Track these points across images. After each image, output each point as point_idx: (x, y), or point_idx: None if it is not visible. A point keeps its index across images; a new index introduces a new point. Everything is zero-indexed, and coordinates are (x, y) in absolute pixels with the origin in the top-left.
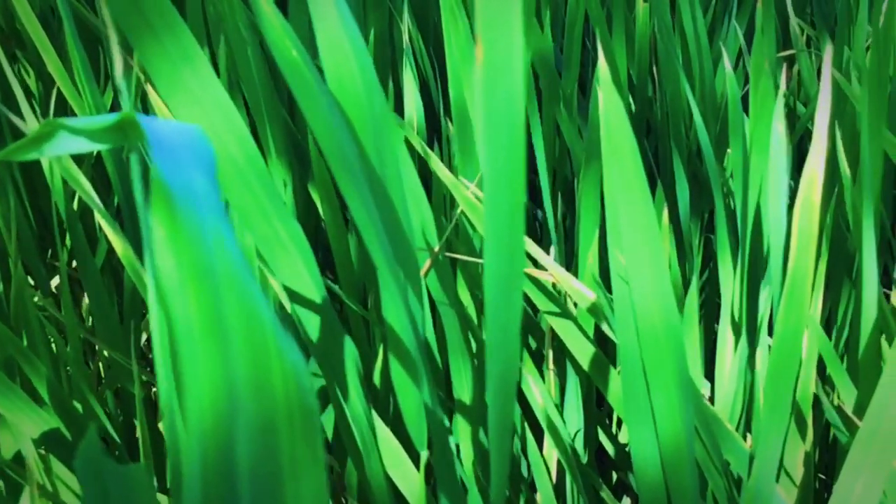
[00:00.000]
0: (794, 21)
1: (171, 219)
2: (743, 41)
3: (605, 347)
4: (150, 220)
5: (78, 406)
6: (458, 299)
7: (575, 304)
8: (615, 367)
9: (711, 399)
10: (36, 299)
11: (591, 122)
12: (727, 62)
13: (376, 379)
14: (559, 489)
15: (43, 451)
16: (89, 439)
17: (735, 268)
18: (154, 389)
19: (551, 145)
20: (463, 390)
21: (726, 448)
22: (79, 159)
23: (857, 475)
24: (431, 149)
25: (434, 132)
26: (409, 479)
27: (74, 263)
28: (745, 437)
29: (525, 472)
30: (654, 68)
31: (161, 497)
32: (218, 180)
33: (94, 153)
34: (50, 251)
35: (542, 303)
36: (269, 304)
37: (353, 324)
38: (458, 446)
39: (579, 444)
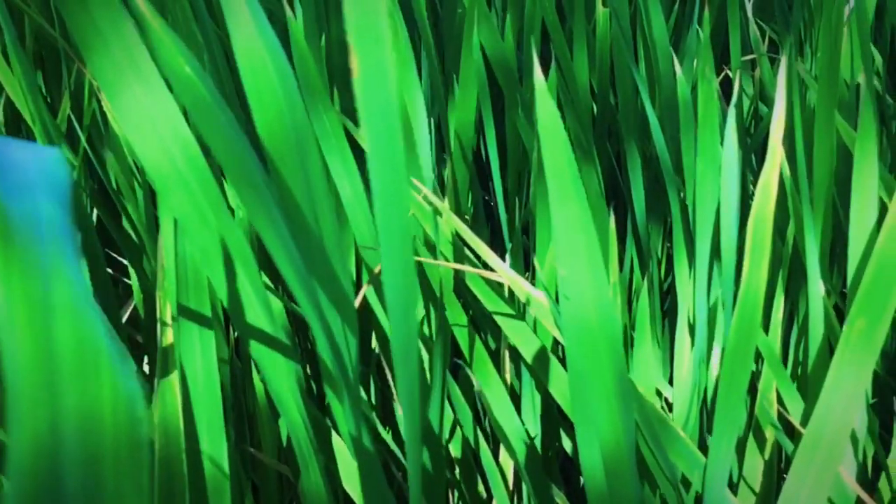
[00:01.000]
0: (753, 25)
1: (5, 246)
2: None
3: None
4: None
5: None
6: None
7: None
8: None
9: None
10: None
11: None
12: (677, 67)
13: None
14: (517, 497)
15: None
16: None
17: (690, 273)
18: None
19: (515, 150)
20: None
21: (676, 454)
22: None
23: (801, 484)
24: None
25: None
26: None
27: None
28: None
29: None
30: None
31: None
32: (69, 206)
33: None
34: None
35: (492, 304)
36: (110, 333)
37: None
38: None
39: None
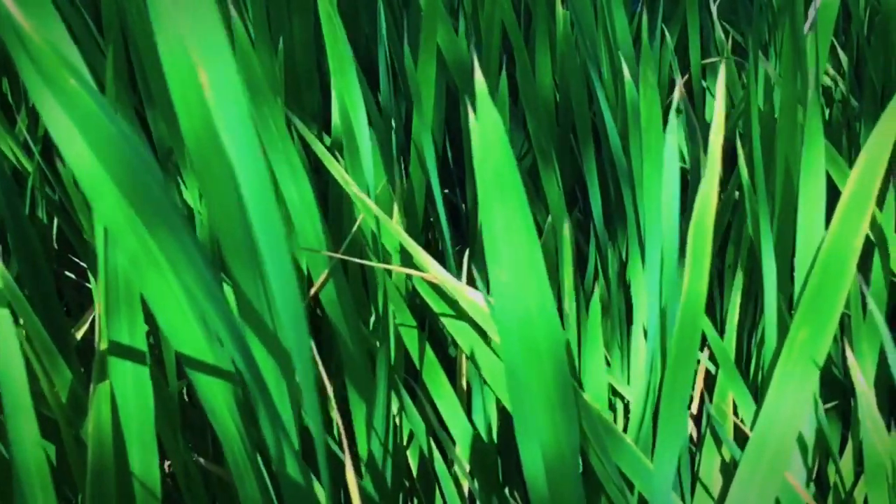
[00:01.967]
0: (718, 28)
1: None
2: (671, 44)
3: None
4: None
5: None
6: (356, 314)
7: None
8: None
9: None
10: None
11: None
12: (626, 70)
13: None
14: None
15: None
16: None
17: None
18: None
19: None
20: (359, 413)
21: (623, 460)
22: None
23: (748, 489)
24: None
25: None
26: None
27: None
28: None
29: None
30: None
31: None
32: None
33: None
34: None
35: (439, 307)
36: None
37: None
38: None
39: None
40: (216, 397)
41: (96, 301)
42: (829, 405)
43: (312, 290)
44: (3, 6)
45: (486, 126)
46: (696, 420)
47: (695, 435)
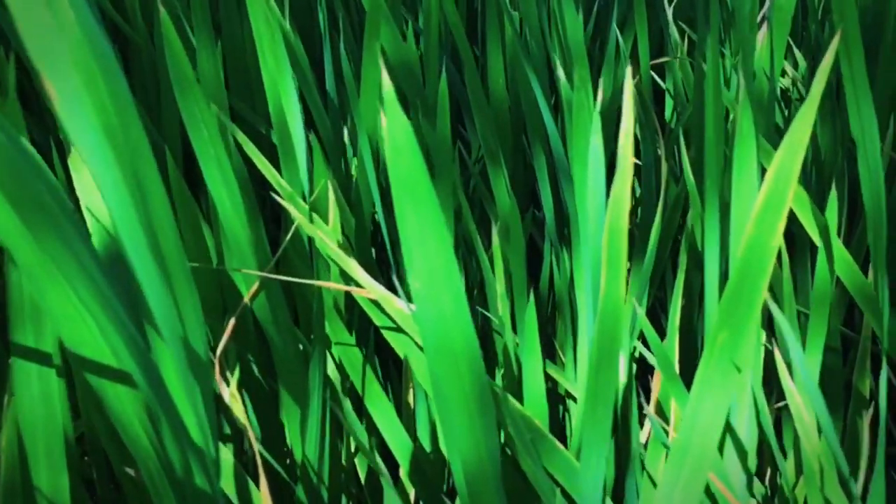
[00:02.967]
0: (673, 27)
1: None
2: (623, 46)
3: None
4: None
5: None
6: (288, 324)
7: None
8: None
9: None
10: None
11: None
12: (561, 71)
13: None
14: None
15: None
16: None
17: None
18: None
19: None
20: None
21: (554, 466)
22: None
23: (673, 492)
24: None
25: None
26: None
27: None
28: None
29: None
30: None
31: None
32: None
33: None
34: None
35: (377, 318)
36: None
37: None
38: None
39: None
40: (126, 411)
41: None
42: (780, 404)
43: (245, 300)
44: None
45: (396, 132)
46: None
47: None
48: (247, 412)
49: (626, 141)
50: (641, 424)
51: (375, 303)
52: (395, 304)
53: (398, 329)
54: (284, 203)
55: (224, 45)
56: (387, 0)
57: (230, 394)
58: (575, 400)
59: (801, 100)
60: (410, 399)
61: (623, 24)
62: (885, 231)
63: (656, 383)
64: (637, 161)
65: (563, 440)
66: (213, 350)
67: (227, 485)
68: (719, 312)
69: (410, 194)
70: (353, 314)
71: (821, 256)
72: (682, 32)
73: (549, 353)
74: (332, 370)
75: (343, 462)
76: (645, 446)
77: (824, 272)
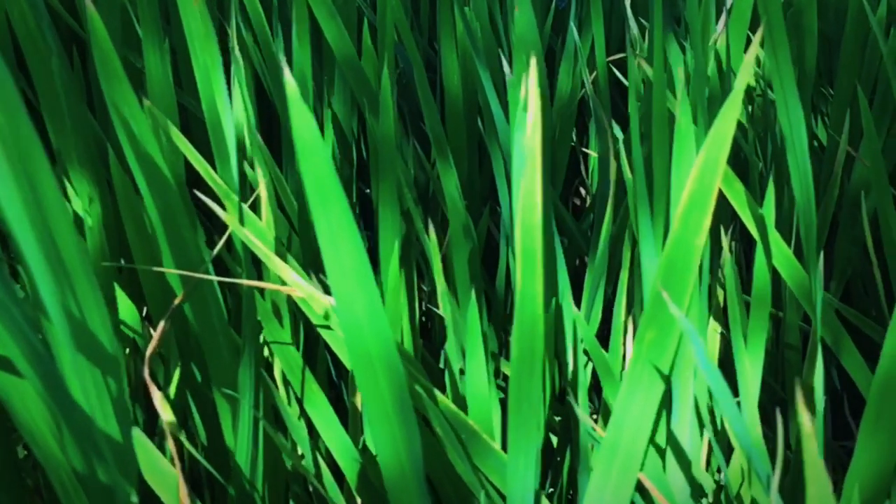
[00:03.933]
0: (633, 23)
1: None
2: (579, 43)
3: None
4: None
5: None
6: (223, 326)
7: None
8: None
9: None
10: None
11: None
12: (506, 68)
13: None
14: None
15: None
16: None
17: None
18: None
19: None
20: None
21: (487, 466)
22: None
23: (603, 490)
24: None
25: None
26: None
27: None
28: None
29: None
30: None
31: None
32: None
33: None
34: None
35: (314, 317)
36: None
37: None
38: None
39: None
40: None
41: None
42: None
43: (176, 302)
44: None
45: (303, 132)
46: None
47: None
48: (191, 415)
49: (533, 134)
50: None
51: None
52: (321, 302)
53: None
54: (207, 201)
55: (175, 40)
56: None
57: (159, 397)
58: None
59: (762, 96)
60: (358, 401)
61: (584, 20)
62: (816, 225)
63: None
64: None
65: None
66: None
67: (159, 485)
68: (645, 311)
69: (320, 195)
70: (303, 316)
71: (759, 250)
72: (644, 28)
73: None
74: (279, 373)
75: (290, 466)
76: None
77: (763, 266)
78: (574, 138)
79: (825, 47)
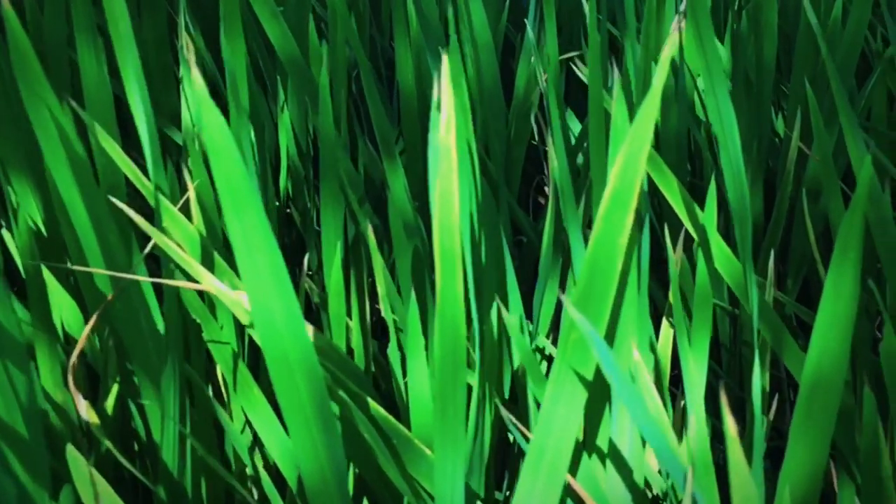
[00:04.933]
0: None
1: None
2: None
3: None
4: None
5: None
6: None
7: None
8: None
9: None
10: None
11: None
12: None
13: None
14: None
15: None
16: None
17: None
18: None
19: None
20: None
21: (419, 471)
22: None
23: (531, 494)
24: None
25: None
26: None
27: None
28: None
29: None
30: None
31: None
32: None
33: None
34: None
35: (204, 322)
36: None
37: None
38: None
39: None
40: None
41: None
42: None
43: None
44: None
45: (213, 133)
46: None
47: None
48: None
49: (447, 133)
50: None
51: None
52: (244, 306)
53: None
54: (119, 204)
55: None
56: None
57: (84, 405)
58: None
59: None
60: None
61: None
62: (750, 225)
63: None
64: None
65: None
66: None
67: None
68: (567, 313)
69: (233, 198)
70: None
71: (699, 252)
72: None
73: None
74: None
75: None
76: None
77: (703, 267)
78: (536, 136)
79: (786, 44)
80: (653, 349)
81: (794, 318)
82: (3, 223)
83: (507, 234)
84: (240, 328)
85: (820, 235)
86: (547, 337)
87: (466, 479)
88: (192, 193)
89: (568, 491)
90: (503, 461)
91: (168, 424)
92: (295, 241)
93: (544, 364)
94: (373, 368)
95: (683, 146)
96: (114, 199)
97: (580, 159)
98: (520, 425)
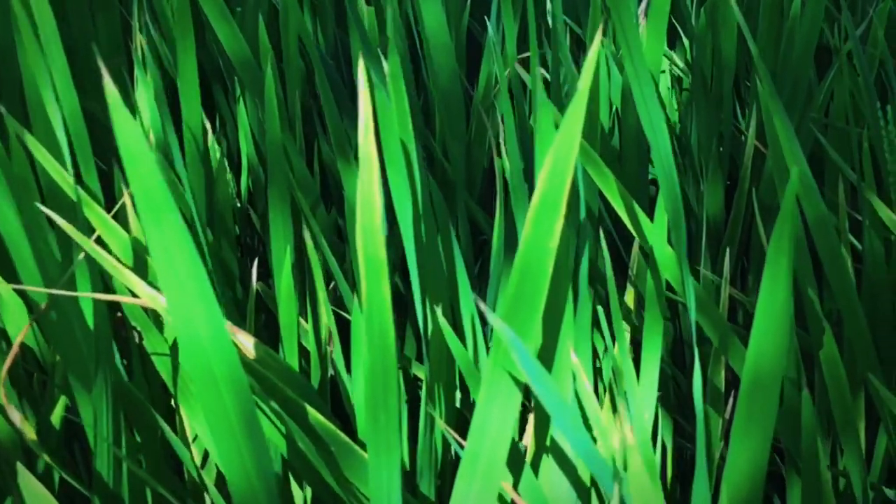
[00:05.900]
0: (559, 20)
1: None
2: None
3: None
4: None
5: None
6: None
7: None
8: None
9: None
10: None
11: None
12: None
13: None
14: None
15: None
16: None
17: None
18: None
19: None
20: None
21: (361, 479)
22: None
23: (466, 499)
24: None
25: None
26: None
27: None
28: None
29: None
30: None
31: None
32: None
33: None
34: None
35: (145, 331)
36: None
37: None
38: None
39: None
40: None
41: None
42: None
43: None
44: None
45: (128, 140)
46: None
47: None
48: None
49: (366, 135)
50: None
51: None
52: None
53: None
54: (50, 213)
55: (74, 41)
56: None
57: (19, 418)
58: None
59: (687, 90)
60: None
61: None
62: (685, 228)
63: None
64: None
65: None
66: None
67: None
68: (500, 315)
69: (149, 206)
70: None
71: (637, 258)
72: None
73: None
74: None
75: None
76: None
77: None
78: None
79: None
80: (606, 353)
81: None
82: None
83: (465, 235)
84: None
85: None
86: None
87: (418, 483)
88: (127, 199)
89: (504, 497)
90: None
91: (101, 433)
92: (258, 242)
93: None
94: (331, 373)
95: (644, 148)
96: (43, 208)
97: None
98: (452, 432)
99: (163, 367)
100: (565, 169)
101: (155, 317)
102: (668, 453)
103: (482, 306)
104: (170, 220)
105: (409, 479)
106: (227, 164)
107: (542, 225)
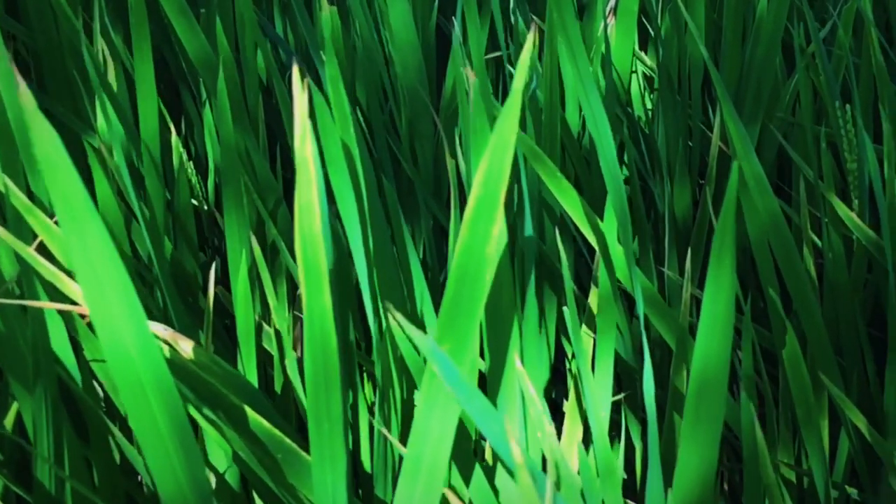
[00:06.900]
0: (519, 19)
1: None
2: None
3: None
4: None
5: None
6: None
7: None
8: None
9: None
10: None
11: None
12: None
13: None
14: None
15: None
16: None
17: None
18: None
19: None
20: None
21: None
22: None
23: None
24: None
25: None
26: None
27: None
28: None
29: None
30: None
31: None
32: None
33: None
34: None
35: (84, 340)
36: None
37: None
38: None
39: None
40: None
41: None
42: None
43: None
44: None
45: (45, 146)
46: None
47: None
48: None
49: (301, 142)
50: None
51: None
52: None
53: None
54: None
55: (36, 42)
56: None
57: None
58: None
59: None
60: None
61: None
62: (630, 227)
63: None
64: None
65: None
66: None
67: None
68: (439, 323)
69: (69, 212)
70: None
71: (600, 260)
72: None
73: None
74: None
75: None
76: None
77: (604, 275)
78: None
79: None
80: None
81: None
82: None
83: (429, 238)
84: None
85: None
86: None
87: (374, 487)
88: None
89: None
90: None
91: (41, 441)
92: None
93: None
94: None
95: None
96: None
97: None
98: (391, 437)
99: (104, 374)
100: (501, 172)
101: None
102: (635, 452)
103: (392, 313)
104: (92, 227)
105: (367, 483)
106: (192, 166)
107: (477, 231)
